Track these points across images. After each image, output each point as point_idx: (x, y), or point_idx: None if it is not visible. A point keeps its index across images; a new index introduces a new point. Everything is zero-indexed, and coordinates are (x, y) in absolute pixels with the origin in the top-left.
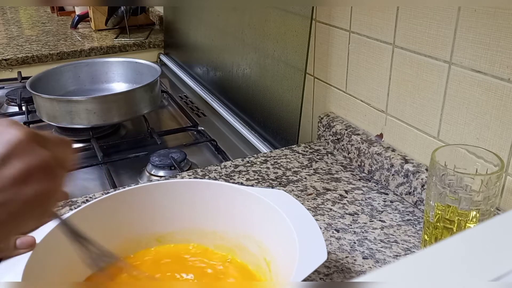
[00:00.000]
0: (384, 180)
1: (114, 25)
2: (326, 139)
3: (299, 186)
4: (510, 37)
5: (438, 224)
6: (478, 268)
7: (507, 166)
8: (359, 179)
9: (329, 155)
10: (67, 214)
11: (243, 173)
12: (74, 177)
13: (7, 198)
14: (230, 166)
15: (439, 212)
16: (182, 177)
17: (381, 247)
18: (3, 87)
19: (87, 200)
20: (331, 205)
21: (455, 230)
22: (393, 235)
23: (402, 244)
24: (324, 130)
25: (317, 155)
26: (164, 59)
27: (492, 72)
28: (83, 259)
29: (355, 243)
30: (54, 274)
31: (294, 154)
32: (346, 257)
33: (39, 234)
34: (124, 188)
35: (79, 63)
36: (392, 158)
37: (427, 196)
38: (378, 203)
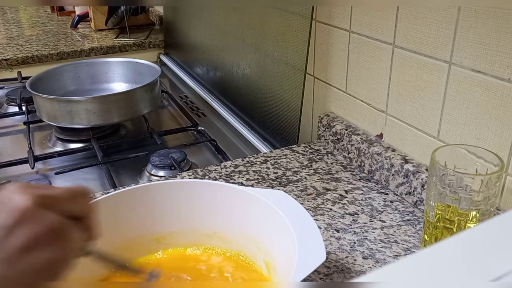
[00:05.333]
0: (384, 180)
1: (114, 25)
2: (326, 139)
3: (299, 186)
4: (510, 37)
5: (438, 224)
6: (478, 268)
7: (507, 166)
8: (359, 179)
9: (329, 155)
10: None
11: (243, 173)
12: (74, 177)
13: (16, 269)
14: (230, 166)
15: (439, 212)
16: (182, 177)
17: (381, 247)
18: (3, 87)
19: None
20: (331, 205)
21: (455, 230)
22: (393, 235)
23: (402, 244)
24: (324, 130)
25: (317, 155)
26: (164, 59)
27: (492, 72)
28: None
29: (355, 243)
30: None
31: (294, 154)
32: (346, 257)
33: None
34: (124, 188)
35: (79, 63)
36: (392, 158)
37: (427, 196)
38: (378, 203)
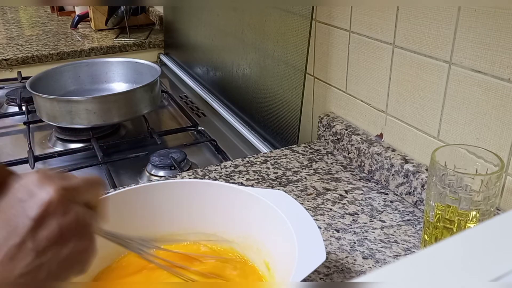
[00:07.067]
0: (384, 180)
1: (114, 25)
2: (326, 139)
3: (299, 186)
4: (510, 37)
5: (438, 224)
6: (478, 268)
7: (507, 166)
8: (359, 179)
9: (329, 155)
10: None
11: (243, 173)
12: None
13: (44, 260)
14: (230, 166)
15: (439, 212)
16: (182, 177)
17: (381, 247)
18: (3, 87)
19: None
20: (331, 205)
21: (455, 230)
22: (393, 235)
23: (402, 244)
24: (324, 130)
25: (317, 155)
26: (164, 59)
27: (492, 72)
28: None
29: (355, 243)
30: None
31: (294, 154)
32: (346, 257)
33: None
34: (124, 188)
35: (79, 63)
36: (392, 158)
37: (427, 196)
38: (378, 203)
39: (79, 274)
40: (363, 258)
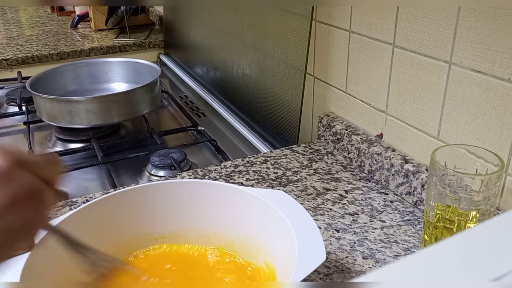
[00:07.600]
0: (384, 180)
1: (114, 25)
2: (326, 139)
3: (299, 186)
4: (510, 37)
5: (438, 224)
6: (478, 268)
7: (507, 166)
8: (359, 179)
9: (329, 155)
10: (60, 219)
11: (243, 173)
12: (74, 177)
13: None
14: (230, 166)
15: (439, 212)
16: (182, 177)
17: (381, 247)
18: (3, 87)
19: (87, 200)
20: (331, 205)
21: (455, 230)
22: (393, 235)
23: (402, 244)
24: (324, 130)
25: (317, 155)
26: (164, 59)
27: (492, 72)
28: (82, 266)
29: (355, 243)
30: (53, 274)
31: (294, 154)
32: (346, 257)
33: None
34: (124, 188)
35: (79, 63)
36: (392, 158)
37: (427, 196)
38: (378, 203)
39: (27, 248)
40: (363, 258)
